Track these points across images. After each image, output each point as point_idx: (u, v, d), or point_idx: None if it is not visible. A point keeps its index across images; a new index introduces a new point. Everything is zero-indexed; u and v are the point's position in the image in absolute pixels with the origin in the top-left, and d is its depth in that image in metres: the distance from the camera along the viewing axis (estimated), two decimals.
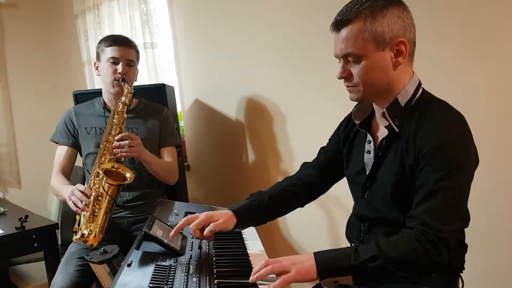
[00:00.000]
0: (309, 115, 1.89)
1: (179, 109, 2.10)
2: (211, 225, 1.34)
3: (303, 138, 1.84)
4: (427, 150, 1.17)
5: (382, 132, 1.31)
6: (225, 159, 2.07)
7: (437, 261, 1.15)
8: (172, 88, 1.85)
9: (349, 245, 1.42)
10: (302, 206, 1.50)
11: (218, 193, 1.83)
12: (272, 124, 1.82)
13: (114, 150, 1.58)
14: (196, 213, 1.51)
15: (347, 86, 1.27)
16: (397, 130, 1.24)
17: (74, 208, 1.56)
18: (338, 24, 1.21)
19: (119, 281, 1.21)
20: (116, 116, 1.60)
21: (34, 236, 1.71)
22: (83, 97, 1.80)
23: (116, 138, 1.57)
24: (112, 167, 1.59)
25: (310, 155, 1.53)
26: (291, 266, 1.18)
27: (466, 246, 1.30)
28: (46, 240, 1.75)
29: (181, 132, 1.75)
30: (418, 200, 1.18)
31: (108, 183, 1.54)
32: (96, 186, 1.60)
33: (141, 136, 1.68)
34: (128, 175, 1.59)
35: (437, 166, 1.16)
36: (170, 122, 1.77)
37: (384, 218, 1.29)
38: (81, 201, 1.56)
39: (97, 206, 1.54)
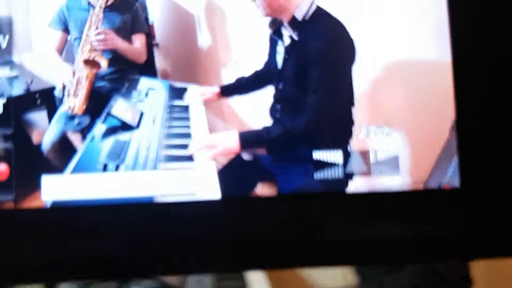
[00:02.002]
0: None
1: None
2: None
3: None
4: (313, 54, 1.52)
5: (287, 40, 1.61)
6: (187, 40, 2.13)
7: (327, 135, 1.58)
8: None
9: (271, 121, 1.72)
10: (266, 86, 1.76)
11: (181, 67, 2.09)
12: (225, 22, 1.90)
13: (92, 44, 1.81)
14: (156, 88, 1.91)
15: (257, 7, 1.60)
16: (296, 39, 1.56)
17: (61, 85, 1.79)
18: None
19: (82, 155, 1.55)
20: (94, 16, 1.83)
21: (37, 95, 1.79)
22: None
23: (94, 34, 1.81)
24: (89, 56, 1.80)
25: None
26: (220, 141, 1.56)
27: (353, 121, 1.63)
28: (47, 99, 1.79)
29: (149, 19, 2.05)
30: (311, 91, 1.54)
31: (86, 71, 1.79)
32: (79, 70, 1.82)
33: (116, 26, 1.90)
34: (102, 63, 1.82)
35: (320, 65, 1.52)
36: (139, 13, 1.96)
37: (290, 100, 1.63)
38: (68, 81, 1.79)
39: (79, 86, 1.79)
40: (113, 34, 1.88)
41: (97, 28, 1.85)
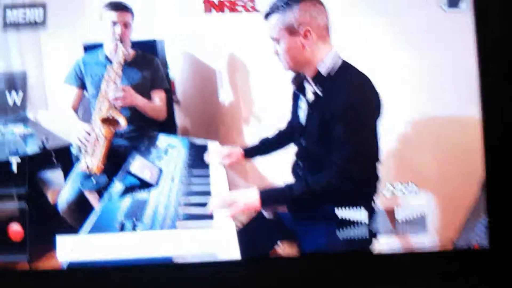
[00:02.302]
0: None
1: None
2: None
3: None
4: (337, 110, 1.46)
5: (311, 95, 1.59)
6: (208, 96, 2.11)
7: (352, 193, 1.52)
8: (162, 42, 1.96)
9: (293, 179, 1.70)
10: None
11: (202, 124, 2.10)
12: (248, 77, 1.94)
13: (110, 101, 1.80)
14: (176, 146, 1.91)
15: (280, 61, 1.58)
16: (320, 94, 1.53)
17: (78, 143, 1.78)
18: (265, 15, 1.55)
19: (99, 214, 1.48)
20: (112, 73, 1.82)
21: (53, 154, 1.79)
22: (91, 48, 1.93)
23: (112, 91, 1.81)
24: (108, 114, 1.79)
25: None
26: (240, 198, 1.50)
27: (378, 177, 1.57)
28: (63, 157, 1.83)
29: (170, 75, 2.05)
30: (334, 148, 1.47)
31: (104, 130, 1.76)
32: (97, 128, 1.81)
33: (135, 82, 1.91)
34: (121, 121, 1.81)
35: (344, 122, 1.45)
36: (160, 69, 1.97)
37: (313, 158, 1.59)
38: (85, 139, 1.79)
39: (97, 145, 1.77)
40: (132, 91, 1.87)
41: (115, 84, 1.84)
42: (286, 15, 1.53)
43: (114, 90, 1.82)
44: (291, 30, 1.53)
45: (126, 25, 1.85)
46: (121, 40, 1.86)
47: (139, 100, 1.88)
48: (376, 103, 1.54)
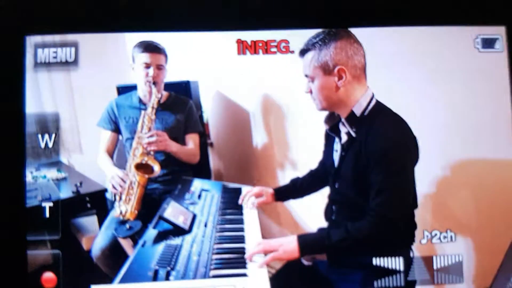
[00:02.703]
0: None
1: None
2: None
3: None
4: (374, 155, 1.45)
5: (344, 136, 1.56)
6: (242, 139, 2.14)
7: (392, 240, 1.50)
8: (196, 82, 1.96)
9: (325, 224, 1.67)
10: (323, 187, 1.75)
11: (236, 167, 2.10)
12: (281, 119, 1.94)
13: (144, 146, 1.82)
14: (209, 190, 1.89)
15: (313, 100, 1.58)
16: (354, 135, 1.50)
17: (112, 190, 1.79)
18: (300, 51, 1.54)
19: (132, 260, 1.46)
20: (146, 117, 1.83)
21: (87, 199, 1.83)
22: (124, 89, 1.94)
23: (146, 136, 1.81)
24: (142, 160, 1.81)
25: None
26: (278, 246, 1.48)
27: (415, 224, 1.55)
28: (98, 202, 1.86)
29: (204, 116, 2.05)
30: (372, 196, 1.45)
31: (138, 177, 1.78)
32: (131, 174, 1.82)
33: (169, 126, 1.91)
34: (155, 168, 1.82)
35: (383, 167, 1.43)
36: (194, 112, 1.98)
37: (347, 201, 1.56)
38: (119, 185, 1.80)
39: (131, 192, 1.77)
40: (166, 136, 1.87)
41: (149, 130, 1.84)
42: (322, 53, 1.52)
43: (148, 135, 1.83)
44: (326, 69, 1.52)
45: (159, 67, 1.85)
46: (155, 83, 1.86)
47: (173, 146, 1.88)
48: (413, 147, 1.52)
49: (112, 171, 1.85)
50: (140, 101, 1.91)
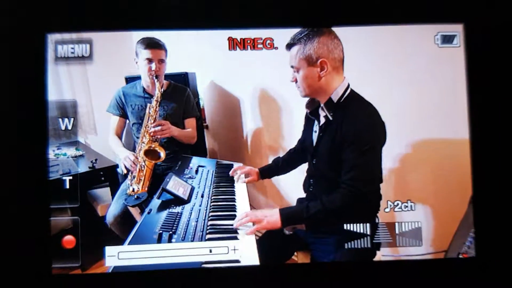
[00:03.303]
0: None
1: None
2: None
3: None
4: (348, 136, 1.65)
5: (323, 119, 1.76)
6: (233, 122, 2.27)
7: (361, 210, 1.71)
8: (194, 74, 2.07)
9: (304, 194, 1.87)
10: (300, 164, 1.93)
11: (228, 147, 2.23)
12: (267, 104, 2.08)
13: (151, 134, 1.99)
14: (205, 166, 2.10)
15: (297, 87, 1.76)
16: (331, 119, 1.71)
17: (125, 170, 1.97)
18: (287, 45, 1.73)
19: (140, 225, 1.69)
20: (151, 110, 2.00)
21: (101, 173, 1.96)
22: (131, 79, 2.09)
23: (152, 125, 1.99)
24: (150, 147, 1.99)
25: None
26: (263, 218, 1.68)
27: (381, 196, 1.75)
28: (110, 176, 2.00)
29: (201, 102, 2.14)
30: (345, 171, 1.65)
31: (147, 162, 1.97)
32: (140, 158, 1.99)
33: (170, 112, 2.07)
34: (161, 154, 2.00)
35: (355, 147, 1.64)
36: (191, 99, 2.13)
37: (323, 176, 1.77)
38: (131, 166, 1.96)
39: (141, 174, 1.96)
40: (169, 124, 2.05)
41: (154, 120, 2.02)
42: (307, 47, 1.71)
43: (154, 125, 2.01)
44: (310, 61, 1.72)
45: (160, 62, 2.00)
46: (157, 76, 2.03)
47: (175, 131, 2.07)
48: (382, 131, 1.73)
49: (124, 153, 2.03)
50: (144, 90, 2.08)
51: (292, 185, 1.97)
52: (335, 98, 1.73)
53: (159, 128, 2.02)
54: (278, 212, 1.71)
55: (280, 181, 2.03)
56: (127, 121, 2.11)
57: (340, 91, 1.73)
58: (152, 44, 1.95)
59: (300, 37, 1.73)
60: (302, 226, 1.79)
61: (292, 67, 1.76)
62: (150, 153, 2.03)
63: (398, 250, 1.76)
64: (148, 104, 2.05)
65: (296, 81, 1.76)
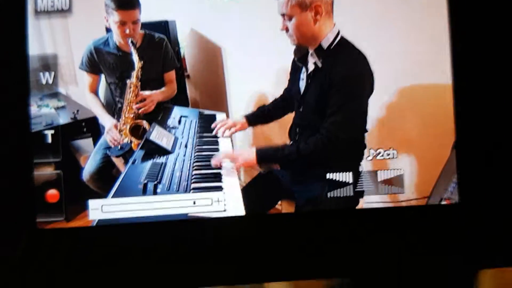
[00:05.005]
0: None
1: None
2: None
3: None
4: (335, 82, 1.64)
5: (311, 66, 1.73)
6: (214, 70, 2.22)
7: (340, 157, 1.70)
8: (174, 22, 2.01)
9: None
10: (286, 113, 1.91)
11: (210, 96, 2.19)
12: (250, 55, 1.97)
13: (135, 110, 1.93)
14: (188, 116, 2.08)
15: (289, 36, 1.72)
16: (320, 66, 1.69)
17: (110, 143, 1.90)
18: None
19: (125, 176, 1.69)
20: (132, 87, 1.92)
21: (83, 124, 1.91)
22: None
23: (134, 103, 1.93)
24: (134, 123, 1.94)
25: None
26: (239, 156, 1.72)
27: (365, 145, 1.74)
28: (92, 127, 1.94)
29: (181, 52, 2.09)
30: (328, 115, 1.65)
31: (133, 138, 1.91)
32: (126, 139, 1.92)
33: (148, 65, 1.96)
34: (145, 125, 1.92)
35: (341, 93, 1.63)
36: (169, 51, 2.04)
37: (309, 124, 1.76)
38: (115, 139, 1.89)
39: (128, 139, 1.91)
40: (152, 96, 1.97)
41: (136, 96, 1.94)
42: None
43: (137, 100, 1.95)
44: (303, 6, 1.67)
45: (135, 22, 1.90)
46: (133, 37, 1.93)
47: (159, 97, 2.00)
48: (370, 80, 1.70)
49: (106, 121, 1.96)
50: (117, 47, 1.98)
51: (278, 135, 1.96)
52: (325, 44, 1.70)
53: (143, 103, 1.95)
54: (255, 150, 1.75)
55: (266, 130, 2.01)
56: (102, 75, 2.04)
57: (331, 37, 1.70)
58: (125, 5, 1.85)
59: None
60: (278, 166, 1.82)
61: (283, 15, 1.71)
62: (136, 130, 1.97)
63: (381, 198, 1.77)
64: (128, 82, 1.95)
65: (287, 29, 1.72)
